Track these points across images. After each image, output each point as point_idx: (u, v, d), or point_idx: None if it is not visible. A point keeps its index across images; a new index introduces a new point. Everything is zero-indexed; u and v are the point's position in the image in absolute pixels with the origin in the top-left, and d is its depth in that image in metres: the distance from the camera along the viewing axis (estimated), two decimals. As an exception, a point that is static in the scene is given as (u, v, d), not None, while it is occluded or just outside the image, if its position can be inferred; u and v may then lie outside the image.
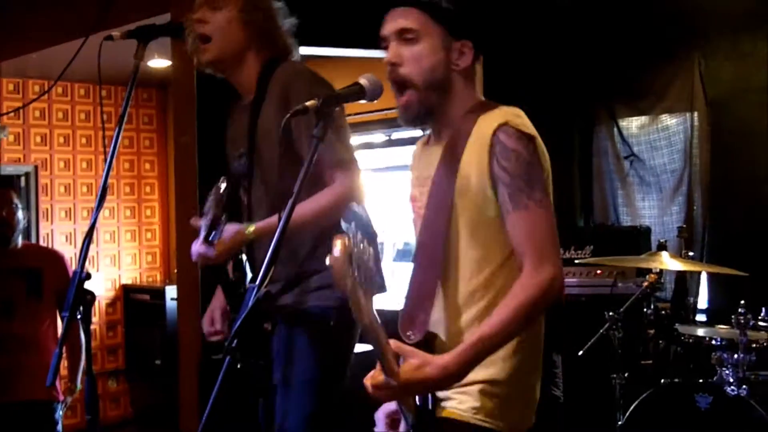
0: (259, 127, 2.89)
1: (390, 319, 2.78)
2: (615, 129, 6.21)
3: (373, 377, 2.00)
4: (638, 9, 5.82)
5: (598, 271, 4.97)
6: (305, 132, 2.69)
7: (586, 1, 5.82)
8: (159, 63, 6.78)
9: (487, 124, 2.18)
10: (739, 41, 5.60)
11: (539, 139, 2.21)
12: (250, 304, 1.99)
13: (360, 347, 2.97)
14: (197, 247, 2.74)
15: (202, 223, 2.71)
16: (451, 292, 2.22)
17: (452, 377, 1.99)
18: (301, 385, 2.87)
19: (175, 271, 5.84)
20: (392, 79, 2.30)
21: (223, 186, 2.68)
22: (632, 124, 6.19)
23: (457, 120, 2.26)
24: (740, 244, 5.28)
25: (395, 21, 2.26)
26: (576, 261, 4.85)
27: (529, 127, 2.20)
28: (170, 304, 7.40)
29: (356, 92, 2.31)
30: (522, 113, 2.23)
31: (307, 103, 2.18)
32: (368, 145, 7.55)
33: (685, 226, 5.20)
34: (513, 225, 2.12)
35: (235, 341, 1.98)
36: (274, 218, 2.70)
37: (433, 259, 2.21)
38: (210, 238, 2.69)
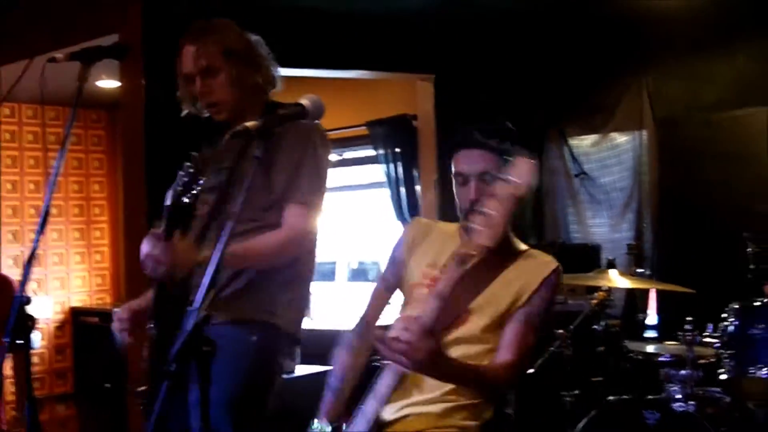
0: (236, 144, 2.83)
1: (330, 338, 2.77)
2: (565, 147, 6.26)
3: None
4: (588, 29, 5.88)
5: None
6: (280, 159, 2.66)
7: (537, 21, 5.86)
8: (108, 84, 6.71)
9: (544, 261, 2.58)
10: (686, 61, 5.68)
11: None
12: (189, 328, 1.96)
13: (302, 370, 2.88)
14: (149, 247, 2.55)
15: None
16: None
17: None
18: (217, 408, 2.74)
19: (125, 293, 5.76)
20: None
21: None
22: (582, 143, 6.25)
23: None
24: (689, 261, 5.33)
25: (476, 164, 2.54)
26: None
27: None
28: (120, 327, 7.28)
29: (298, 113, 2.30)
30: None
31: (248, 124, 2.16)
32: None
33: (634, 243, 5.24)
34: None
35: (174, 365, 1.94)
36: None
37: None
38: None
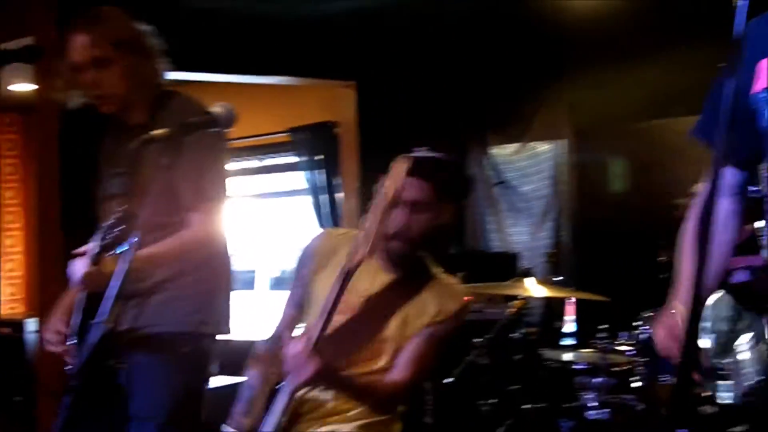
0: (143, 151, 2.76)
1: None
2: (486, 156, 6.30)
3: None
4: (508, 38, 5.92)
5: (467, 297, 5.00)
6: (184, 166, 2.60)
7: (459, 29, 5.89)
8: (22, 87, 6.53)
9: (456, 291, 2.63)
10: (604, 71, 5.76)
11: None
12: (94, 342, 1.90)
13: (219, 381, 2.85)
14: (81, 265, 2.49)
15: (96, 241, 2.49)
16: None
17: None
18: (144, 424, 2.64)
19: (39, 302, 5.61)
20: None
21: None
22: (503, 152, 6.30)
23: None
24: (606, 269, 5.40)
25: (411, 189, 2.42)
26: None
27: None
28: (31, 338, 7.09)
29: (209, 121, 2.25)
30: None
31: (156, 132, 2.11)
32: (241, 172, 7.45)
33: (553, 251, 5.29)
34: None
35: (78, 380, 1.89)
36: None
37: None
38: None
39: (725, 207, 1.86)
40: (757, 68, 1.70)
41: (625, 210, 5.48)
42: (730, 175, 1.84)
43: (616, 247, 5.46)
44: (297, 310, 2.68)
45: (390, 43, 5.94)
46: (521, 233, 6.13)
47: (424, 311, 2.51)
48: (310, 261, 2.67)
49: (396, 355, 2.50)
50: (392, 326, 2.50)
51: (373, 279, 2.54)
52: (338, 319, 2.40)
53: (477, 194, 6.31)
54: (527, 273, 4.24)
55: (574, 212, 5.85)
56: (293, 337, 2.23)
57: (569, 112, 5.89)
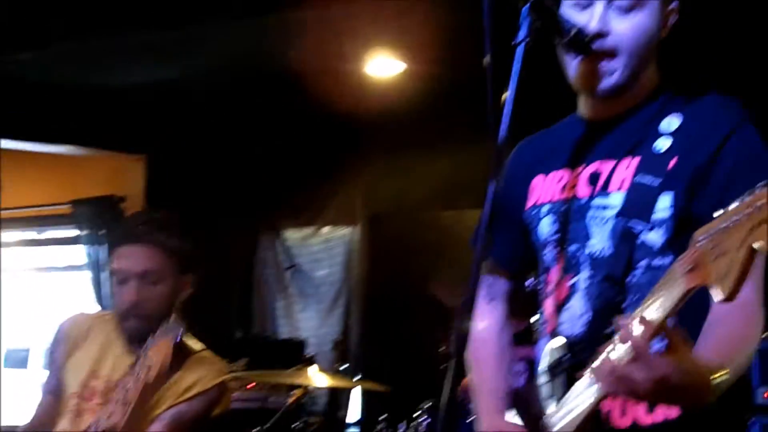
0: None
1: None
2: (278, 239, 6.21)
3: None
4: (304, 123, 5.89)
5: (250, 385, 4.83)
6: None
7: (254, 110, 5.82)
8: None
9: (217, 369, 2.38)
10: (398, 159, 5.83)
11: None
12: None
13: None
14: None
15: None
16: None
17: None
18: None
19: None
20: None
21: None
22: (295, 236, 6.23)
23: None
24: (392, 357, 5.37)
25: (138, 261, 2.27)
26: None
27: None
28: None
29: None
30: None
31: None
32: (18, 243, 7.02)
33: (340, 339, 5.22)
34: None
35: None
36: None
37: None
38: None
39: (498, 313, 1.88)
40: (531, 186, 1.76)
41: (412, 298, 5.50)
42: (503, 284, 1.87)
43: (403, 336, 5.46)
44: (53, 396, 2.44)
45: (184, 118, 5.80)
46: (310, 319, 6.04)
47: (175, 389, 2.28)
48: (61, 344, 2.44)
49: None
50: (147, 409, 2.25)
51: (116, 362, 2.33)
52: (87, 407, 2.19)
53: (267, 278, 6.19)
54: (311, 361, 4.15)
55: (364, 299, 5.82)
56: None
57: (363, 198, 5.91)
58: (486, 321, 1.86)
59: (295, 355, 5.22)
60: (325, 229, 6.14)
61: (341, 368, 4.65)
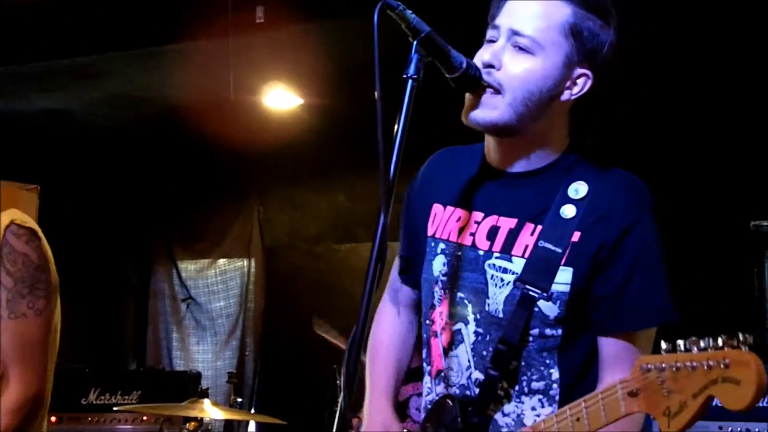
0: None
1: None
2: (174, 270, 6.15)
3: None
4: (201, 154, 5.86)
5: (144, 418, 4.75)
6: None
7: (149, 141, 5.78)
8: None
9: None
10: (293, 192, 5.86)
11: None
12: None
13: None
14: None
15: None
16: None
17: None
18: None
19: None
20: None
21: None
22: (190, 267, 6.18)
23: None
24: (287, 391, 5.37)
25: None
26: (115, 408, 4.60)
27: (32, 222, 2.11)
28: None
29: None
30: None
31: None
32: None
33: (235, 371, 5.19)
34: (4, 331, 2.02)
35: None
36: None
37: None
38: None
39: (404, 318, 1.88)
40: (431, 211, 1.76)
41: (307, 332, 5.52)
42: (408, 292, 1.87)
43: (297, 370, 5.45)
44: None
45: (77, 148, 5.72)
46: (206, 351, 5.99)
47: None
48: None
49: None
50: None
51: None
52: None
53: (162, 310, 6.12)
54: (205, 394, 4.11)
55: (259, 332, 5.81)
56: None
57: (259, 231, 5.92)
58: (386, 325, 1.87)
59: (191, 387, 5.15)
60: (221, 262, 6.12)
61: (237, 401, 4.61)
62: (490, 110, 1.57)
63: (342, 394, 1.43)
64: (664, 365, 1.24)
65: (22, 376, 2.02)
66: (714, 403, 1.20)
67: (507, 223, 1.63)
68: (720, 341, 1.20)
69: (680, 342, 1.24)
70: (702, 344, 1.22)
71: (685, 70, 4.17)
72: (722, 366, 1.17)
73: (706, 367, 1.19)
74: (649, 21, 3.75)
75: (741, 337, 1.19)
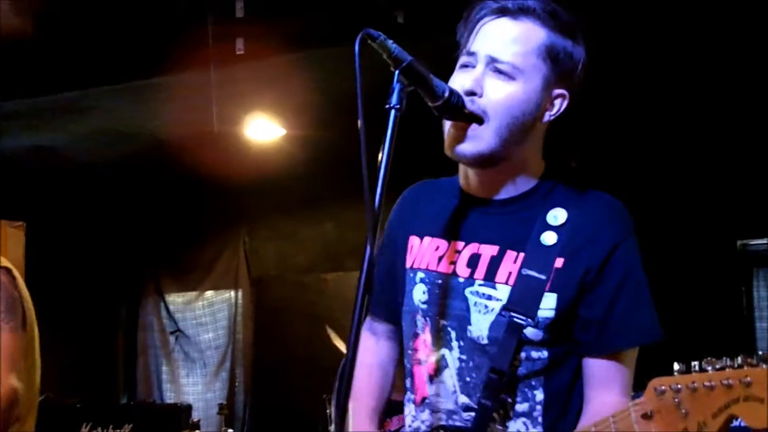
0: None
1: None
2: (162, 303, 6.14)
3: None
4: (189, 188, 5.87)
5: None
6: None
7: (135, 178, 5.78)
8: None
9: None
10: (280, 223, 5.87)
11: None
12: None
13: None
14: None
15: None
16: None
17: None
18: None
19: None
20: None
21: None
22: (178, 300, 6.17)
23: None
24: (278, 422, 5.34)
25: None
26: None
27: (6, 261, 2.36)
28: None
29: None
30: None
31: None
32: None
33: (225, 403, 5.17)
34: None
35: None
36: None
37: None
38: None
39: (383, 345, 1.86)
40: (408, 243, 1.75)
41: (295, 362, 5.51)
42: (384, 324, 1.84)
43: (288, 400, 5.44)
44: None
45: (64, 184, 5.71)
46: (195, 383, 5.97)
47: None
48: None
49: None
50: None
51: None
52: None
53: (151, 343, 6.10)
54: (196, 426, 4.10)
55: (248, 363, 5.79)
56: None
57: (246, 262, 5.92)
58: (365, 353, 1.83)
59: (182, 420, 5.13)
60: (209, 293, 6.11)
61: (227, 433, 4.60)
62: (476, 142, 1.56)
63: (333, 424, 1.42)
64: (679, 386, 1.22)
65: None
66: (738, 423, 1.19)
67: (488, 251, 1.62)
68: (739, 359, 1.18)
69: (695, 363, 1.23)
70: (719, 364, 1.20)
71: (673, 90, 4.21)
72: (744, 384, 1.16)
73: (725, 386, 1.17)
74: (631, 41, 3.79)
75: (761, 355, 1.17)
